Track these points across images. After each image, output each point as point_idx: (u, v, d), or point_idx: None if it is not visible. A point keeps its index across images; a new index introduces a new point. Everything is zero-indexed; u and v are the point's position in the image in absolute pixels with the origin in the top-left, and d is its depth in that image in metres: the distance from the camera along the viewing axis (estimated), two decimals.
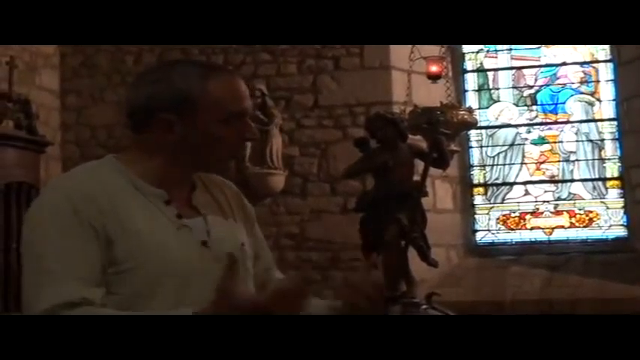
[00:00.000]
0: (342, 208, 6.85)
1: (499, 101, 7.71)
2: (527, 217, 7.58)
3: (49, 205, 1.87)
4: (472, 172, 7.67)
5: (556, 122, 7.59)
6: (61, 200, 1.84)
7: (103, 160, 1.98)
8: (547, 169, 7.57)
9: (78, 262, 1.81)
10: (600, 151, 7.46)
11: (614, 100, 7.42)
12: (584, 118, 7.52)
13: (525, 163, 7.59)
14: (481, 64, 7.77)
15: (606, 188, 7.46)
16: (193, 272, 1.88)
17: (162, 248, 1.86)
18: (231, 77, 1.97)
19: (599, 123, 7.48)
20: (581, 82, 7.55)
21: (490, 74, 7.75)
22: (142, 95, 1.93)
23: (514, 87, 7.69)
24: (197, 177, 2.04)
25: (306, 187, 7.12)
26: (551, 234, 7.51)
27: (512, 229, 7.60)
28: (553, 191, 7.56)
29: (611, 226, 7.41)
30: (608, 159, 7.41)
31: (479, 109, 7.54)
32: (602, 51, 7.50)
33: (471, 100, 7.64)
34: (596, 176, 7.49)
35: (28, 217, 1.90)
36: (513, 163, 7.61)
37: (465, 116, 5.83)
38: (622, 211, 7.38)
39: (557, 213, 7.52)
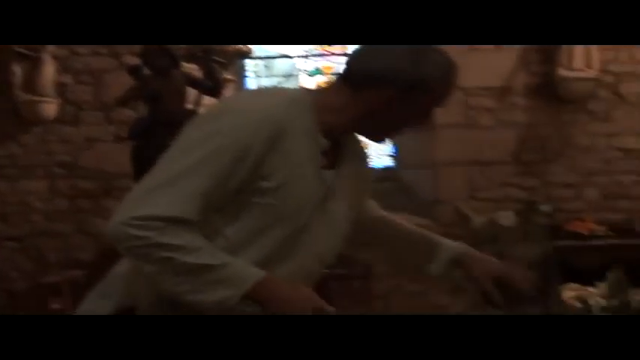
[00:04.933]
0: (116, 137, 6.75)
1: None
2: None
3: (235, 126, 1.84)
4: None
5: (332, 54, 7.75)
6: (248, 128, 1.83)
7: (298, 94, 1.97)
8: None
9: (221, 184, 1.82)
10: None
11: None
12: None
13: None
14: None
15: None
16: (305, 226, 1.93)
17: (299, 195, 1.91)
18: (454, 71, 2.01)
19: None
20: None
21: None
22: (383, 63, 1.92)
23: None
24: (344, 137, 2.07)
25: (80, 116, 6.95)
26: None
27: None
28: None
29: (379, 155, 7.71)
30: None
31: None
32: None
33: None
34: None
35: (210, 122, 1.87)
36: None
37: (240, 45, 5.88)
38: (391, 141, 7.69)
39: None
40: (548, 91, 6.96)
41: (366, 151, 2.24)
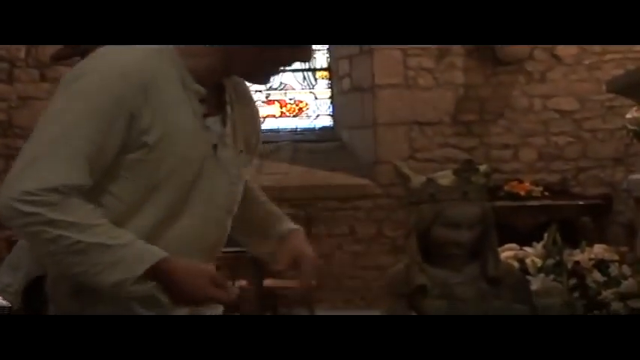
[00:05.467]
0: (51, 95, 6.61)
1: None
2: None
3: (102, 82, 1.78)
4: None
5: None
6: (115, 81, 1.78)
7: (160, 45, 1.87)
8: None
9: (100, 144, 1.76)
10: None
11: None
12: None
13: None
14: None
15: (316, 79, 7.73)
16: (194, 171, 1.88)
17: (183, 145, 1.85)
18: None
19: None
20: None
21: None
22: None
23: None
24: (228, 82, 2.00)
25: (14, 73, 6.81)
26: (262, 123, 7.69)
27: None
28: None
29: (318, 115, 7.71)
30: (319, 50, 7.64)
31: None
32: None
33: None
34: (307, 67, 7.73)
35: (75, 83, 1.80)
36: None
37: None
38: (329, 101, 7.69)
39: (269, 102, 7.71)
40: (487, 51, 7.00)
41: (251, 92, 2.15)
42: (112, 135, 1.78)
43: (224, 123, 1.97)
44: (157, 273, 1.76)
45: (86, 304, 1.86)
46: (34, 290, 1.95)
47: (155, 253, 1.78)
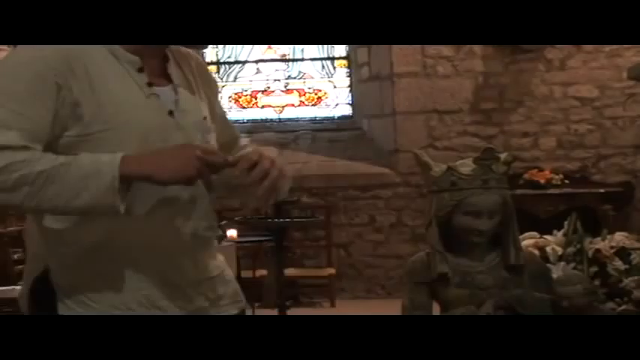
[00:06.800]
0: None
1: None
2: (259, 95, 7.73)
3: (23, 56, 1.80)
4: (204, 50, 7.67)
5: None
6: (33, 57, 1.78)
7: None
8: (278, 48, 7.71)
9: (28, 115, 1.74)
10: None
11: None
12: None
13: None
14: None
15: (334, 67, 7.73)
16: (157, 140, 1.83)
17: (130, 113, 1.82)
18: None
19: None
20: None
21: None
22: None
23: None
24: (168, 49, 1.99)
25: None
26: (281, 112, 7.72)
27: (244, 108, 7.74)
28: (284, 70, 7.73)
29: (337, 104, 7.71)
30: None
31: None
32: None
33: None
34: (325, 55, 7.73)
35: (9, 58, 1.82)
36: None
37: None
38: (348, 90, 7.69)
39: (288, 91, 7.72)
40: None
41: (194, 55, 2.11)
42: (40, 106, 1.76)
43: (176, 90, 1.95)
44: (134, 164, 1.75)
45: (91, 290, 1.86)
46: (40, 290, 1.94)
47: (113, 156, 1.75)
